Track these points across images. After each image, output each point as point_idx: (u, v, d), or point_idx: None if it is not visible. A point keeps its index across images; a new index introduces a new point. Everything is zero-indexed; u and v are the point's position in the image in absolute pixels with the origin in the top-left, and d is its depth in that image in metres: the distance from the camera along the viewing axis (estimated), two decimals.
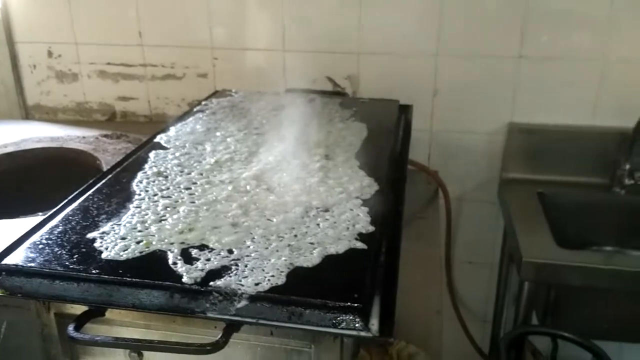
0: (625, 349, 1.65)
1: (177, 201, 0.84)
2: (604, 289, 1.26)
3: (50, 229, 0.77)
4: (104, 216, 0.80)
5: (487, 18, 1.49)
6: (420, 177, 1.52)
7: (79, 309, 0.68)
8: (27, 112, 1.82)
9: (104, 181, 0.92)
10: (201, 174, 0.93)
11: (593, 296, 1.30)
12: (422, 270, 1.18)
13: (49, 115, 1.81)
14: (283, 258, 0.70)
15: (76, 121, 1.78)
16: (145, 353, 0.73)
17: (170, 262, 0.69)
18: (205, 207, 0.82)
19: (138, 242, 0.73)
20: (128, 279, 0.66)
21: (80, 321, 0.65)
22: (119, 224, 0.77)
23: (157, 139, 1.09)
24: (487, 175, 1.62)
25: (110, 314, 0.69)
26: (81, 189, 0.89)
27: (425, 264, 1.22)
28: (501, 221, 1.57)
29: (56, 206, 0.84)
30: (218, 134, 1.11)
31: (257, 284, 0.65)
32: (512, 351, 1.23)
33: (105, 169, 1.11)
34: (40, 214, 1.07)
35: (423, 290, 1.14)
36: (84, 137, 1.54)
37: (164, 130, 1.13)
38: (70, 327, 0.63)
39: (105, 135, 1.54)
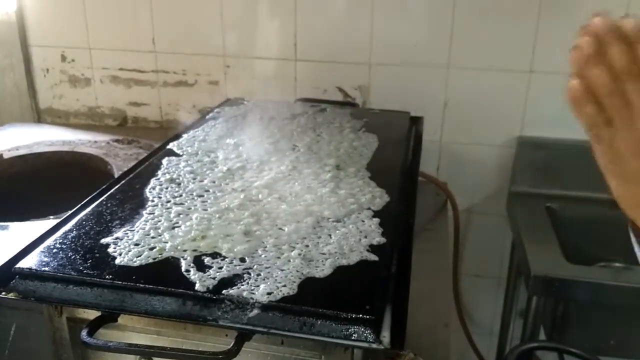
0: None
1: (189, 208, 0.85)
2: (612, 305, 1.25)
3: (64, 233, 0.78)
4: (117, 222, 0.80)
5: (499, 31, 1.49)
6: (429, 189, 1.52)
7: (91, 314, 0.69)
8: (40, 116, 1.83)
9: (117, 187, 0.92)
10: (213, 182, 0.94)
11: (601, 312, 1.29)
12: (431, 282, 1.18)
13: (61, 119, 1.83)
14: (295, 268, 0.70)
15: (88, 126, 1.79)
16: (155, 359, 0.73)
17: (183, 269, 0.70)
18: (217, 215, 0.82)
19: (151, 249, 0.73)
20: (141, 285, 0.67)
21: (93, 326, 0.65)
22: (133, 230, 0.78)
23: (169, 146, 1.10)
24: (496, 188, 1.62)
25: (122, 319, 0.69)
26: (94, 194, 0.90)
27: (433, 276, 1.21)
28: (509, 235, 1.57)
29: (67, 210, 0.85)
30: (230, 141, 1.11)
31: (269, 294, 0.65)
32: None
33: (116, 174, 1.12)
34: (51, 217, 1.08)
35: (431, 303, 1.13)
36: (95, 142, 1.55)
37: (177, 137, 1.14)
38: (84, 332, 0.64)
39: (117, 140, 1.55)
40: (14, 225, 1.11)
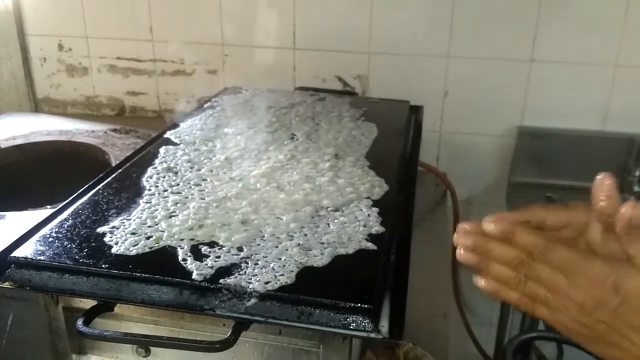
0: None
1: (187, 197, 0.84)
2: None
3: (60, 222, 0.77)
4: (113, 211, 0.80)
5: (500, 20, 1.48)
6: (428, 179, 1.52)
7: (87, 304, 0.68)
8: (37, 105, 1.82)
9: (114, 175, 0.92)
10: (211, 171, 0.93)
11: None
12: (429, 272, 1.18)
13: (58, 108, 1.82)
14: (293, 257, 0.70)
15: (85, 115, 1.78)
16: (152, 349, 0.73)
17: (180, 258, 0.69)
18: (215, 204, 0.82)
19: (148, 238, 0.73)
20: (138, 274, 0.66)
21: (89, 316, 0.65)
22: (129, 219, 0.77)
23: (167, 135, 1.09)
24: (495, 178, 1.61)
25: (118, 309, 0.69)
26: (91, 183, 0.89)
27: (432, 266, 1.21)
28: None
29: (64, 199, 0.84)
30: (228, 131, 1.10)
31: (266, 283, 0.65)
32: (518, 356, 1.22)
33: (113, 164, 1.11)
34: (48, 207, 1.07)
35: (430, 293, 1.13)
36: (93, 131, 1.53)
37: (174, 126, 1.13)
38: (80, 322, 0.63)
39: (114, 130, 1.54)
40: (10, 215, 1.10)
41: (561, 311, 0.53)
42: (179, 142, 1.05)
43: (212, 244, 0.72)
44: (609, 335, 0.51)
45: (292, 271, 0.67)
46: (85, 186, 0.88)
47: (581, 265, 0.52)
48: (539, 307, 0.55)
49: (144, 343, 0.70)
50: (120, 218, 0.78)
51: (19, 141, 1.47)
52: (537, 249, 0.54)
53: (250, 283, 0.65)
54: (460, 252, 0.59)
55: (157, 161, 0.96)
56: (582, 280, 0.51)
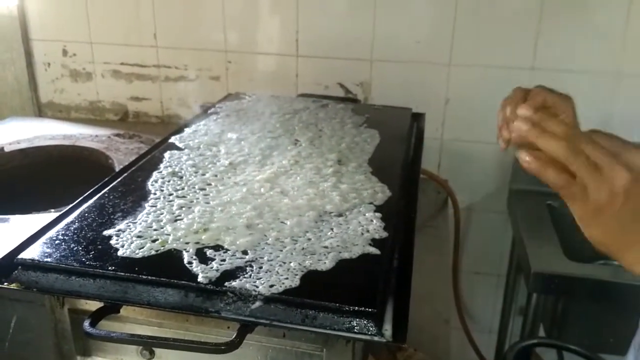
0: None
1: (192, 201, 0.85)
2: (611, 303, 1.25)
3: (66, 225, 0.78)
4: (119, 214, 0.81)
5: (501, 28, 1.49)
6: (430, 186, 1.53)
7: (93, 305, 0.69)
8: (40, 110, 1.83)
9: (119, 179, 0.92)
10: (215, 176, 0.94)
11: (601, 309, 1.30)
12: (431, 278, 1.19)
13: (62, 113, 1.83)
14: (297, 261, 0.70)
15: (89, 120, 1.79)
16: (157, 351, 0.74)
17: (185, 261, 0.70)
18: (219, 208, 0.82)
19: (154, 241, 0.73)
20: (144, 277, 0.67)
21: (95, 317, 0.65)
22: (135, 222, 0.78)
23: (171, 140, 1.09)
24: (496, 186, 1.62)
25: (124, 311, 0.69)
26: (97, 186, 0.90)
27: (433, 272, 1.22)
28: (510, 232, 1.57)
29: (68, 203, 0.85)
30: (232, 136, 1.11)
31: (271, 286, 0.65)
32: None
33: (117, 168, 1.12)
34: (52, 210, 1.08)
35: (431, 299, 1.14)
36: (96, 136, 1.55)
37: (179, 131, 1.14)
38: (86, 323, 0.64)
39: (118, 135, 1.55)
40: (14, 218, 1.11)
41: (597, 188, 0.56)
42: (183, 147, 1.06)
43: (217, 248, 0.73)
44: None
45: (296, 275, 0.68)
46: (92, 189, 0.88)
47: (622, 150, 0.58)
48: (575, 185, 0.57)
49: (150, 344, 0.71)
50: (126, 221, 0.78)
51: (23, 145, 1.48)
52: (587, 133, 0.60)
53: (255, 286, 0.65)
54: (515, 123, 0.63)
55: (162, 165, 0.97)
56: (622, 163, 0.56)
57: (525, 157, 0.60)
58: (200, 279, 0.66)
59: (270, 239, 0.75)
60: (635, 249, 0.59)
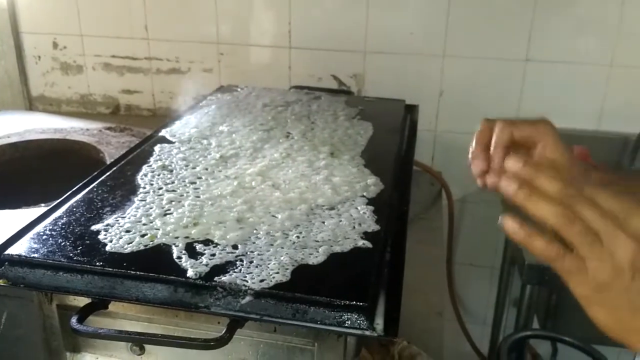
0: (624, 354, 1.65)
1: (181, 195, 0.84)
2: None
3: (54, 220, 0.77)
4: (108, 209, 0.80)
5: (495, 20, 1.48)
6: (423, 178, 1.52)
7: (81, 301, 0.68)
8: (31, 103, 1.81)
9: (108, 173, 0.91)
10: (206, 169, 0.93)
11: None
12: (424, 270, 1.18)
13: (53, 106, 1.81)
14: (288, 255, 0.70)
15: (80, 113, 1.77)
16: (147, 347, 0.73)
17: (174, 256, 0.69)
18: (210, 202, 0.82)
19: (142, 236, 0.73)
20: (132, 272, 0.66)
21: (83, 313, 0.65)
22: (124, 217, 0.77)
23: (162, 133, 1.08)
24: None
25: (113, 307, 0.68)
26: (85, 180, 0.89)
27: (427, 264, 1.21)
28: None
29: (59, 198, 0.84)
30: (223, 129, 1.10)
31: (261, 281, 0.65)
32: (513, 354, 1.23)
33: (108, 162, 1.11)
34: (42, 205, 1.07)
35: (425, 291, 1.13)
36: (87, 130, 1.53)
37: (169, 124, 1.13)
38: (74, 319, 0.63)
39: (109, 128, 1.54)
40: (4, 213, 1.10)
41: (598, 262, 0.48)
42: (174, 140, 1.05)
43: (207, 242, 0.72)
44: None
45: (287, 269, 0.67)
46: (80, 184, 0.87)
47: (628, 213, 0.48)
48: (569, 258, 0.49)
49: (139, 341, 0.70)
50: (115, 216, 0.77)
51: (14, 139, 1.47)
52: (586, 188, 0.49)
53: (245, 281, 0.65)
54: (502, 182, 0.52)
55: (152, 159, 0.96)
56: (627, 231, 0.47)
57: (509, 225, 0.51)
58: (189, 273, 0.65)
59: (261, 233, 0.74)
60: None
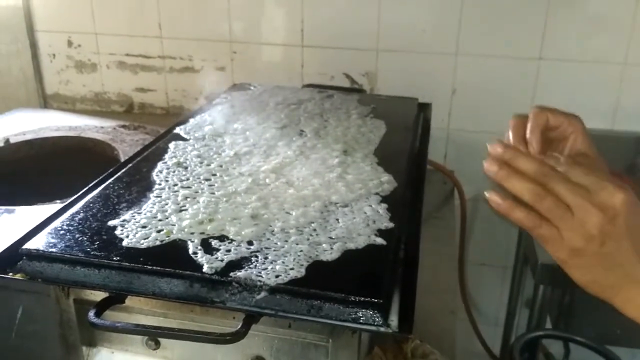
0: (639, 354, 1.64)
1: (197, 192, 0.84)
2: None
3: (71, 215, 0.77)
4: (124, 204, 0.80)
5: (508, 18, 1.48)
6: (436, 177, 1.51)
7: (98, 296, 0.68)
8: (46, 101, 1.83)
9: (124, 170, 0.92)
10: (220, 166, 0.93)
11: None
12: (437, 269, 1.18)
13: (67, 104, 1.83)
14: (302, 251, 0.70)
15: (94, 111, 1.79)
16: (162, 341, 0.73)
17: (190, 251, 0.69)
18: (224, 199, 0.82)
19: (158, 231, 0.73)
20: (149, 267, 0.67)
21: (100, 307, 0.65)
22: (140, 213, 0.77)
23: (176, 130, 1.09)
24: None
25: (129, 301, 0.69)
26: (102, 177, 0.89)
27: (440, 263, 1.21)
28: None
29: (74, 194, 0.84)
30: (237, 126, 1.11)
31: (277, 276, 0.65)
32: (525, 354, 1.22)
33: (122, 159, 1.12)
34: (58, 201, 1.08)
35: (437, 290, 1.13)
36: (102, 127, 1.54)
37: (184, 121, 1.14)
38: (91, 313, 0.64)
39: (123, 126, 1.55)
40: (19, 209, 1.11)
41: (570, 231, 0.55)
42: (188, 138, 1.05)
43: (222, 238, 0.72)
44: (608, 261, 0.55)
45: (302, 265, 0.67)
46: (96, 180, 0.88)
47: (596, 187, 0.54)
48: (545, 227, 0.56)
49: (155, 334, 0.70)
50: (131, 212, 0.78)
51: (29, 137, 1.48)
52: (557, 167, 0.56)
53: (260, 276, 0.65)
54: (486, 163, 0.60)
55: (167, 156, 0.97)
56: (595, 203, 0.53)
57: (493, 199, 0.58)
58: (205, 269, 0.66)
59: (275, 230, 0.75)
60: (625, 289, 0.57)
